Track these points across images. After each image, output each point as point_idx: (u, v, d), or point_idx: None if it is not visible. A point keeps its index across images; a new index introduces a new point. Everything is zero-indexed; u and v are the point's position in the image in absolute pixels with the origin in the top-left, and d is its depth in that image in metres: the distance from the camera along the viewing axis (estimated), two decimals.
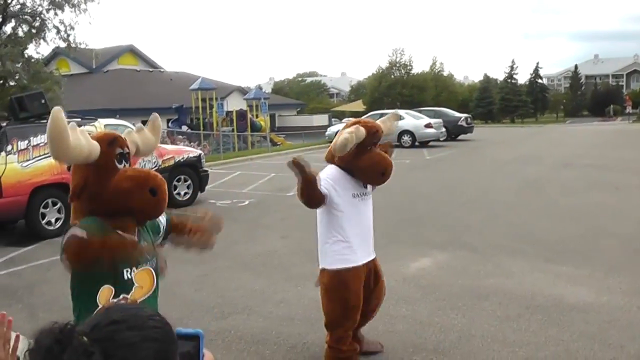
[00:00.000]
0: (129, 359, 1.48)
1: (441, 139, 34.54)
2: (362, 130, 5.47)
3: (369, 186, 5.76)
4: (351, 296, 5.56)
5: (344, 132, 5.44)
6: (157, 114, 4.49)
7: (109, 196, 3.55)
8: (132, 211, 3.59)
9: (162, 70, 60.10)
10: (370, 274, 5.76)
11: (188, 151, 16.81)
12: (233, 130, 38.51)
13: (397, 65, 71.02)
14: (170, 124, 38.96)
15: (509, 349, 6.20)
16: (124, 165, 3.70)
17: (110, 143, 3.65)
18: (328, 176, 5.54)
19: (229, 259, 10.17)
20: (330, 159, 5.70)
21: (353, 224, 5.57)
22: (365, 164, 5.52)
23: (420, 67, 79.38)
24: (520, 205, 14.73)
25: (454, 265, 9.32)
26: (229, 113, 40.51)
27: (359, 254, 5.59)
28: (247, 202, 16.00)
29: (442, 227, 12.28)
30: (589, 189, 17.00)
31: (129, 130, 4.17)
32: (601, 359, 6.00)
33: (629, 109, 66.13)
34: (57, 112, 3.29)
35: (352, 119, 6.49)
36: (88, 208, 3.60)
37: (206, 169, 16.76)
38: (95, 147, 3.56)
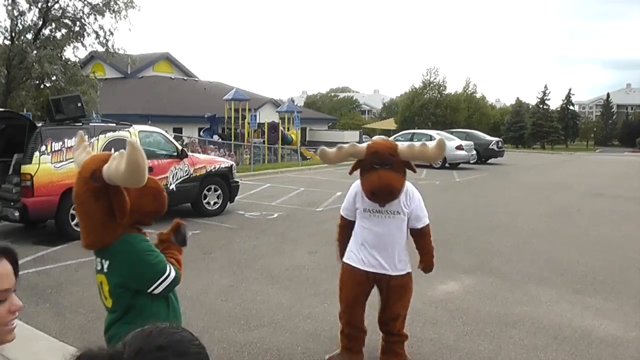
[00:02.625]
0: None
1: (471, 162, 34.45)
2: (361, 148, 5.92)
3: (388, 205, 5.93)
4: (342, 288, 6.21)
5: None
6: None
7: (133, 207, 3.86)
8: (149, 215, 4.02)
9: (196, 79, 60.48)
10: (383, 285, 6.08)
11: (220, 161, 16.89)
12: (264, 142, 38.64)
13: (431, 85, 70.87)
14: (202, 133, 39.21)
15: None
16: None
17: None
18: (348, 197, 6.28)
19: (256, 271, 10.22)
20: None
21: (364, 233, 6.01)
22: (363, 181, 5.91)
23: (453, 87, 79.16)
24: (550, 233, 14.62)
25: (481, 291, 9.27)
26: (260, 125, 40.68)
27: (362, 259, 6.00)
28: (275, 215, 16.03)
29: (470, 251, 12.23)
30: (619, 221, 16.84)
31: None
32: None
33: None
34: (135, 143, 3.48)
35: (382, 137, 6.67)
36: (121, 224, 3.83)
37: (237, 179, 16.83)
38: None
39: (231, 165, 16.65)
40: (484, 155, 36.93)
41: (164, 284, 3.80)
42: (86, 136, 12.67)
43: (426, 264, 6.17)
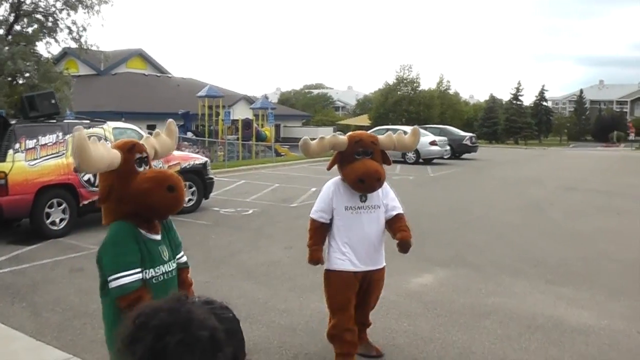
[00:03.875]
0: None
1: (445, 157, 34.66)
2: (342, 139, 5.88)
3: (369, 200, 5.91)
4: (336, 296, 6.01)
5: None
6: (172, 120, 4.99)
7: (132, 197, 3.97)
8: (153, 208, 4.00)
9: (169, 75, 60.14)
10: (365, 279, 6.02)
11: (194, 158, 16.86)
12: (238, 139, 38.58)
13: (404, 81, 71.07)
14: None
15: None
16: (144, 168, 4.14)
17: (130, 150, 4.11)
18: (324, 198, 6.04)
19: (232, 267, 10.24)
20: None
21: (345, 234, 5.90)
22: (347, 172, 5.82)
23: (427, 84, 79.20)
24: (523, 226, 14.79)
25: (455, 283, 9.37)
26: (234, 121, 40.58)
27: (350, 260, 5.89)
28: (251, 212, 16.04)
29: (444, 244, 12.33)
30: (592, 213, 17.06)
31: (147, 136, 4.64)
32: None
33: (632, 136, 66.38)
34: (80, 131, 3.84)
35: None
36: (117, 210, 4.02)
37: (211, 176, 16.80)
38: (116, 155, 4.03)
39: (205, 162, 16.61)
40: (458, 150, 37.17)
41: (111, 284, 3.88)
42: (60, 133, 12.74)
43: (404, 237, 5.99)
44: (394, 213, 6.08)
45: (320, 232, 6.04)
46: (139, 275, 3.89)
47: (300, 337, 7.01)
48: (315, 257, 6.04)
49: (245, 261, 10.77)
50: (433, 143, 32.95)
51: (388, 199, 6.08)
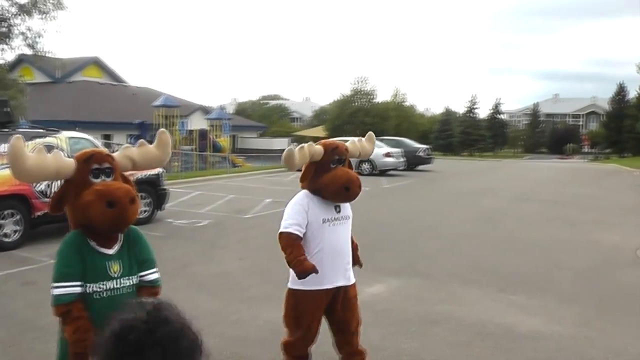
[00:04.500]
0: None
1: (400, 169, 34.86)
2: (318, 147, 5.58)
3: (343, 210, 5.66)
4: (302, 317, 5.60)
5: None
6: (164, 130, 4.74)
7: (77, 209, 3.91)
8: (92, 222, 3.87)
9: (125, 84, 59.73)
10: (338, 299, 5.63)
11: (125, 177, 16.64)
12: (194, 150, 38.43)
13: (360, 93, 71.54)
14: (130, 140, 38.77)
15: None
16: (102, 179, 4.02)
17: (86, 160, 4.02)
18: (299, 211, 5.52)
19: (184, 279, 10.14)
20: (303, 184, 5.71)
21: (319, 249, 5.51)
22: (327, 181, 5.48)
23: (383, 96, 79.82)
24: (476, 236, 14.93)
25: (407, 292, 9.41)
26: (190, 132, 40.41)
27: (320, 279, 5.46)
28: (205, 223, 15.94)
29: (397, 254, 12.38)
30: (545, 223, 17.29)
31: (126, 146, 4.47)
32: None
33: (585, 148, 67.71)
34: (17, 140, 3.80)
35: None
36: (72, 220, 3.99)
37: (165, 187, 16.66)
38: (66, 164, 3.96)
39: (159, 173, 16.45)
40: (413, 162, 37.41)
41: (51, 292, 3.86)
42: None
43: (359, 260, 5.94)
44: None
45: (298, 244, 5.47)
46: (76, 289, 3.81)
47: (251, 347, 6.97)
48: (309, 267, 5.33)
49: (197, 273, 10.69)
50: (388, 154, 33.15)
51: (348, 207, 5.85)
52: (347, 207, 5.72)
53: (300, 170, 5.69)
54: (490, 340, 7.34)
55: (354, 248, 5.89)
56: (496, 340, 7.37)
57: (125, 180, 4.22)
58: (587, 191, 27.25)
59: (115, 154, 4.28)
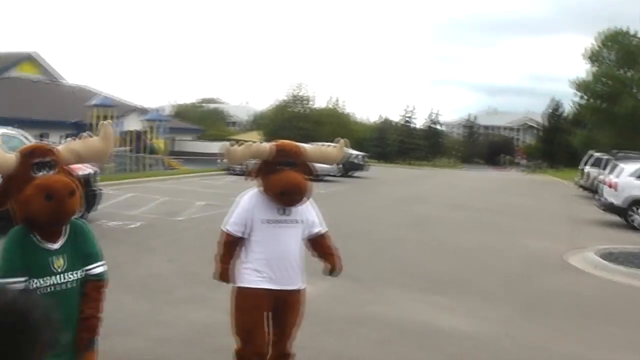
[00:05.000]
0: None
1: (336, 175, 35.11)
2: (265, 147, 5.52)
3: (291, 213, 5.56)
4: (244, 317, 5.54)
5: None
6: (108, 122, 4.71)
7: (19, 203, 3.89)
8: (33, 216, 3.86)
9: (62, 82, 58.65)
10: (282, 302, 5.58)
11: (79, 168, 16.48)
12: (129, 151, 38.04)
13: (297, 99, 71.90)
14: (65, 139, 38.14)
15: None
16: (44, 173, 3.95)
17: (28, 154, 3.98)
18: (243, 210, 5.52)
19: (112, 281, 9.89)
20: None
21: (260, 249, 5.47)
22: (269, 183, 5.43)
23: (321, 103, 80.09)
24: (406, 240, 15.21)
25: (334, 294, 9.51)
26: (126, 133, 39.98)
27: (261, 279, 5.45)
28: (137, 225, 15.81)
29: None
30: (474, 229, 17.73)
31: (70, 139, 4.42)
32: None
33: (520, 161, 69.41)
34: None
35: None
36: (17, 214, 3.96)
37: (98, 188, 16.48)
38: (7, 160, 3.94)
39: (92, 173, 16.21)
40: (348, 168, 37.73)
41: None
42: None
43: (336, 266, 5.85)
44: (315, 230, 5.79)
45: (233, 247, 5.53)
46: (19, 285, 3.76)
47: (176, 347, 6.96)
48: (225, 278, 5.53)
49: (126, 274, 10.58)
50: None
51: (310, 214, 5.77)
52: (299, 211, 5.60)
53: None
54: (411, 338, 7.56)
55: (330, 254, 5.84)
56: (417, 337, 7.61)
57: (69, 174, 4.20)
58: (519, 201, 28.02)
59: (59, 147, 4.26)
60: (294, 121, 67.57)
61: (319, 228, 5.84)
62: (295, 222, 5.59)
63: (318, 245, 5.84)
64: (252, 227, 5.47)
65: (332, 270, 5.86)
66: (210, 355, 6.68)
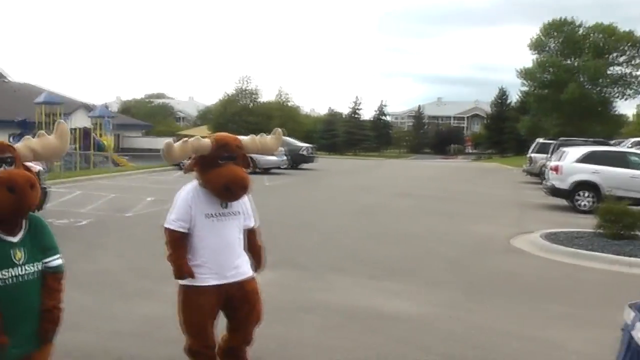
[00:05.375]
0: None
1: (283, 167, 35.27)
2: (205, 142, 5.45)
3: (231, 206, 5.55)
4: (194, 316, 5.52)
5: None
6: (62, 121, 4.85)
7: None
8: None
9: (6, 80, 57.69)
10: (234, 295, 5.54)
11: (26, 166, 16.33)
12: (76, 149, 37.60)
13: (244, 92, 71.85)
14: (12, 139, 37.56)
15: (324, 354, 6.65)
16: (4, 169, 4.07)
17: None
18: (182, 205, 5.47)
19: None
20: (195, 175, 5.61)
21: (205, 244, 5.44)
22: (211, 178, 5.38)
23: (269, 96, 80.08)
24: (354, 229, 15.44)
25: (282, 283, 9.65)
26: (72, 130, 39.46)
27: (208, 275, 5.41)
28: (85, 222, 15.70)
29: (274, 248, 12.41)
30: (422, 217, 18.09)
31: (27, 137, 4.56)
32: (404, 357, 6.65)
33: (469, 149, 70.52)
34: None
35: None
36: None
37: (46, 186, 16.34)
38: None
39: (39, 171, 16.07)
40: (296, 160, 38.00)
41: None
42: None
43: (260, 264, 5.88)
44: (248, 224, 5.80)
45: (181, 243, 5.44)
46: None
47: (125, 340, 7.00)
48: (187, 271, 5.35)
49: (74, 271, 10.46)
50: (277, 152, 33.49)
51: (247, 205, 5.78)
52: (238, 203, 5.60)
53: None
54: (358, 323, 7.74)
55: (257, 251, 5.87)
56: (363, 322, 7.78)
57: (27, 170, 4.27)
58: (467, 188, 28.53)
59: (17, 145, 4.35)
60: (242, 115, 67.47)
61: (252, 223, 5.85)
62: (237, 213, 5.61)
63: (247, 239, 5.81)
64: (195, 223, 5.42)
65: (257, 267, 5.85)
66: (160, 347, 6.72)
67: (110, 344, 6.91)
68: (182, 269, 5.36)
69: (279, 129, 6.08)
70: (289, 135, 48.13)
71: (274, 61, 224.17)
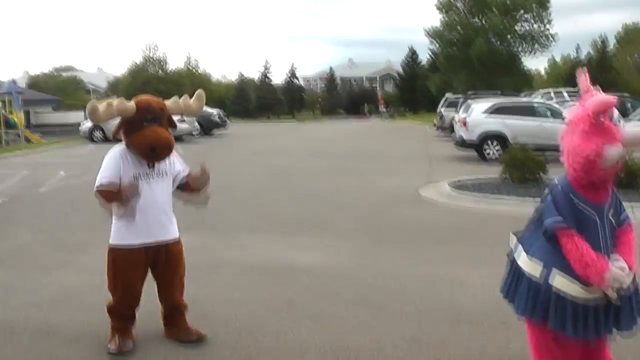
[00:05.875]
0: None
1: (195, 134, 35.26)
2: (130, 105, 5.53)
3: (157, 166, 5.69)
4: (121, 275, 5.64)
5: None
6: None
7: None
8: None
9: None
10: (160, 256, 5.72)
11: None
12: None
13: (152, 60, 71.08)
14: None
15: (236, 307, 6.88)
16: None
17: None
18: (111, 165, 5.57)
19: None
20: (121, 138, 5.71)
21: (132, 205, 5.52)
22: (136, 140, 5.49)
23: (179, 64, 79.10)
24: (266, 189, 15.89)
25: (193, 244, 9.47)
26: None
27: (135, 235, 5.56)
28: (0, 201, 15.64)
29: (186, 213, 12.64)
30: (334, 174, 18.64)
31: None
32: (319, 305, 6.99)
33: (382, 109, 71.67)
34: None
35: None
36: None
37: None
38: None
39: None
40: (207, 127, 38.10)
41: None
42: None
43: (204, 182, 6.09)
44: (182, 176, 5.97)
45: (115, 197, 5.52)
46: None
47: (44, 310, 7.06)
48: (132, 189, 5.49)
49: None
50: (181, 120, 33.32)
51: (175, 165, 5.91)
52: (164, 164, 5.73)
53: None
54: (268, 277, 8.07)
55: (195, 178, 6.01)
56: (273, 276, 8.12)
57: None
58: (379, 145, 29.23)
59: None
60: (152, 84, 66.64)
61: (183, 172, 6.00)
62: (165, 174, 5.75)
63: (186, 184, 6.02)
64: (123, 183, 5.51)
65: (202, 175, 6.04)
66: (77, 314, 6.83)
67: (30, 314, 6.94)
68: (130, 189, 5.48)
69: (201, 90, 6.15)
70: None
71: (180, 27, 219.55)
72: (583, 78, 4.31)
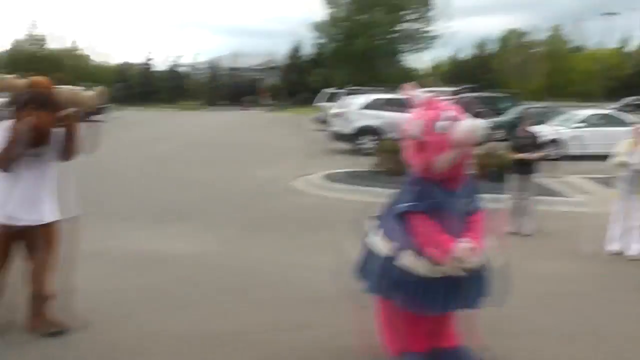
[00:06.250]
0: None
1: None
2: (20, 82, 5.54)
3: (42, 149, 5.54)
4: None
5: None
6: None
7: None
8: None
9: None
10: (28, 238, 5.61)
11: None
12: None
13: (33, 38, 69.27)
14: None
15: (98, 299, 6.63)
16: None
17: None
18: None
19: None
20: None
21: (9, 184, 5.43)
22: (19, 119, 5.35)
23: (60, 43, 77.08)
24: (143, 178, 15.72)
25: (63, 234, 9.64)
26: None
27: (10, 214, 5.42)
28: None
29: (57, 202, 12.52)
30: (211, 164, 18.66)
31: None
32: (188, 293, 7.05)
33: (264, 101, 71.99)
34: None
35: None
36: None
37: None
38: None
39: None
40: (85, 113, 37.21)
41: None
42: None
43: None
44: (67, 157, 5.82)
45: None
46: None
47: None
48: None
49: None
50: None
51: (59, 145, 5.66)
52: (47, 147, 5.56)
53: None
54: (135, 267, 8.01)
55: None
56: (141, 266, 8.08)
57: None
58: (257, 137, 29.41)
59: None
60: (33, 63, 64.64)
61: (68, 157, 5.83)
62: (41, 154, 5.56)
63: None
64: None
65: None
66: None
67: None
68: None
69: (103, 87, 6.23)
70: (76, 85, 46.93)
71: (64, 6, 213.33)
72: (410, 91, 4.72)
